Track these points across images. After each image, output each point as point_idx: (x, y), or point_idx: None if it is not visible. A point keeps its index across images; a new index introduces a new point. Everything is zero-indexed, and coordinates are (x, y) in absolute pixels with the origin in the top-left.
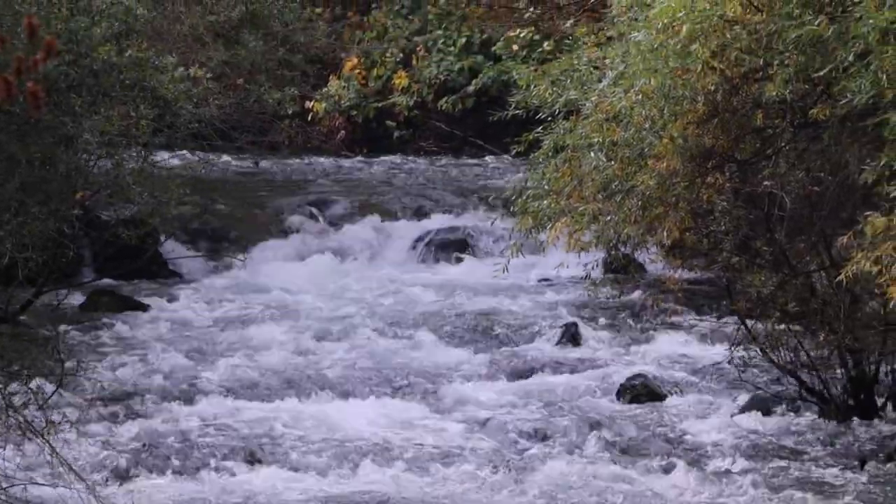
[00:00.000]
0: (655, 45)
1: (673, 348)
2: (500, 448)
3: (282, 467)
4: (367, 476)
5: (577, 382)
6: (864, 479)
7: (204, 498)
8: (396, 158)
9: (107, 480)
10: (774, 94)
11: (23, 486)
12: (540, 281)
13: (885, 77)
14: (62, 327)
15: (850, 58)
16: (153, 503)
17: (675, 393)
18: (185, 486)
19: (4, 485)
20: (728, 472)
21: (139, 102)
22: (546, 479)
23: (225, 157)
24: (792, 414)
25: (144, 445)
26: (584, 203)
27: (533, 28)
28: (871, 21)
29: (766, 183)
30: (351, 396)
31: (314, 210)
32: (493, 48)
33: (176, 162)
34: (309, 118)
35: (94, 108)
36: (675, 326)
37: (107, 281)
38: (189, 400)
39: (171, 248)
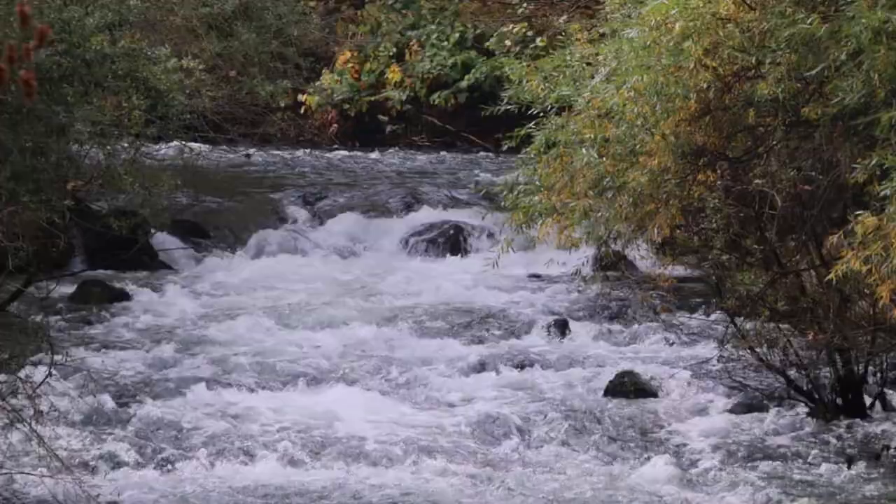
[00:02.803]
0: (648, 43)
1: (662, 345)
2: (488, 440)
3: (268, 457)
4: (354, 467)
5: (566, 378)
6: (851, 478)
7: (188, 488)
8: (389, 153)
9: (93, 470)
10: (766, 92)
11: (9, 474)
12: (530, 276)
13: (876, 77)
14: (52, 317)
15: (843, 57)
16: (139, 493)
17: (664, 390)
18: (170, 476)
19: None
20: (715, 469)
21: (131, 93)
22: (532, 472)
23: (217, 149)
24: (780, 413)
25: (132, 435)
26: (576, 199)
27: (526, 24)
28: (863, 20)
29: (757, 181)
30: (339, 387)
31: (305, 203)
32: (487, 44)
33: (168, 153)
34: (301, 111)
35: (86, 98)
36: (664, 324)
37: (97, 271)
38: (177, 391)
39: (162, 240)
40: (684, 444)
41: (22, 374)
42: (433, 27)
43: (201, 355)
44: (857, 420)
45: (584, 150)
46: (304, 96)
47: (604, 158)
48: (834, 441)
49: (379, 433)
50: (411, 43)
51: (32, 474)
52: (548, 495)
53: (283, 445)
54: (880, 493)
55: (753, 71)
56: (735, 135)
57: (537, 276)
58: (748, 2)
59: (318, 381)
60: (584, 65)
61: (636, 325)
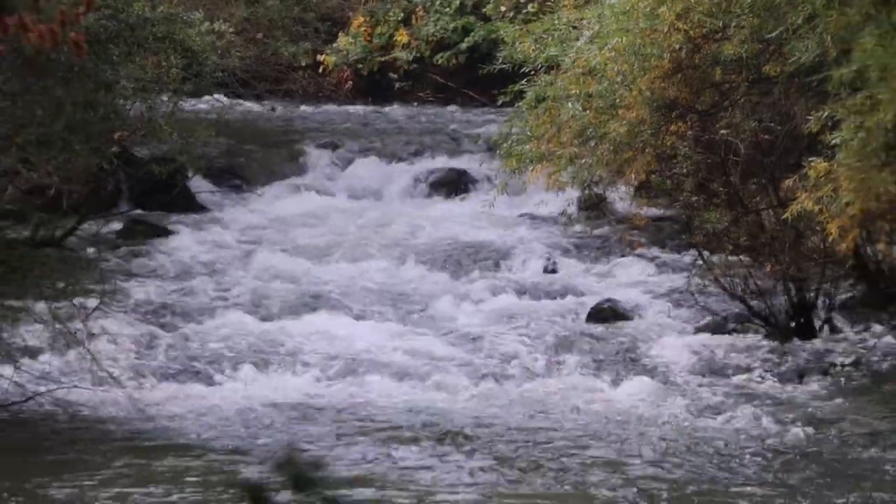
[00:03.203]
0: (627, 8)
1: (638, 276)
2: (485, 362)
3: (296, 375)
4: (363, 383)
5: (554, 305)
6: (802, 391)
7: (219, 398)
8: (398, 107)
9: (140, 384)
10: (731, 52)
11: (66, 388)
12: (522, 216)
13: (829, 38)
14: (102, 252)
15: (799, 21)
16: (177, 403)
17: (639, 315)
18: (205, 389)
19: (52, 387)
20: (683, 383)
21: (170, 53)
22: (524, 389)
23: (245, 104)
24: (741, 334)
25: (173, 354)
26: (562, 148)
27: None
28: None
29: (722, 131)
30: (353, 314)
31: (325, 151)
32: (484, 9)
33: (202, 107)
34: (320, 70)
35: (129, 58)
36: (640, 257)
37: (141, 211)
38: (211, 316)
39: (198, 184)
40: (657, 362)
41: (77, 300)
42: None
43: (235, 285)
44: (808, 341)
45: (569, 104)
46: (323, 56)
47: (587, 111)
48: (788, 359)
49: (392, 354)
50: (417, 9)
51: (86, 388)
52: (540, 406)
53: (308, 365)
54: (827, 404)
55: (720, 33)
56: (704, 90)
57: (529, 216)
58: None
59: (335, 307)
60: (571, 28)
61: (615, 259)
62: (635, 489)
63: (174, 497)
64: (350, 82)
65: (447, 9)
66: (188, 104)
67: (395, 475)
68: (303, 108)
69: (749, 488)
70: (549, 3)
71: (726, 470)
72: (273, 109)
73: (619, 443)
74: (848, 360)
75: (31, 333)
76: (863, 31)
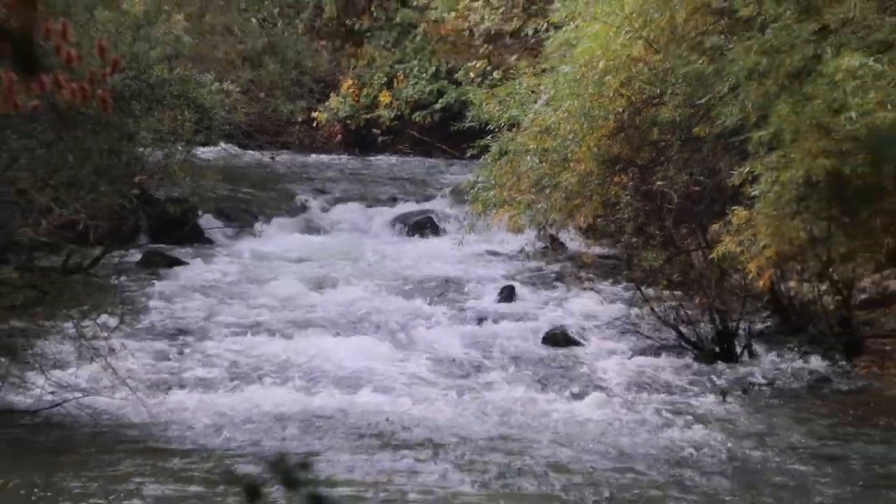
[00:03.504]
0: (578, 76)
1: (585, 306)
2: (453, 376)
3: (283, 386)
4: (349, 395)
5: (512, 330)
6: (725, 406)
7: (223, 406)
8: (381, 157)
9: (153, 393)
10: (667, 115)
11: (89, 397)
12: (487, 252)
13: (750, 105)
14: (123, 278)
15: (725, 89)
16: (186, 410)
17: (586, 340)
18: (210, 398)
19: (77, 395)
20: (625, 400)
21: (184, 109)
22: (485, 402)
23: (249, 153)
24: (673, 358)
25: (184, 367)
26: (521, 194)
27: (486, 61)
28: (740, 62)
29: (658, 183)
30: (339, 335)
31: (316, 195)
32: (456, 75)
33: (211, 155)
34: (314, 125)
35: (149, 112)
36: (587, 290)
37: (157, 245)
38: (217, 335)
39: (207, 221)
40: (601, 381)
41: (100, 321)
42: (415, 62)
43: (236, 308)
44: (730, 364)
45: (528, 158)
46: (316, 113)
47: (543, 164)
48: (713, 379)
49: (373, 370)
50: (398, 74)
51: (107, 396)
52: (502, 415)
53: (299, 378)
54: (746, 418)
55: (657, 99)
56: (643, 147)
57: (492, 253)
58: (654, 46)
59: (323, 328)
60: (530, 92)
61: (566, 291)
62: (583, 486)
63: (181, 492)
64: (339, 136)
65: (424, 74)
66: (199, 153)
67: (374, 477)
68: (298, 157)
69: (675, 489)
70: (511, 71)
71: (656, 472)
72: (272, 158)
73: (570, 448)
74: (764, 381)
75: (59, 348)
76: (778, 99)
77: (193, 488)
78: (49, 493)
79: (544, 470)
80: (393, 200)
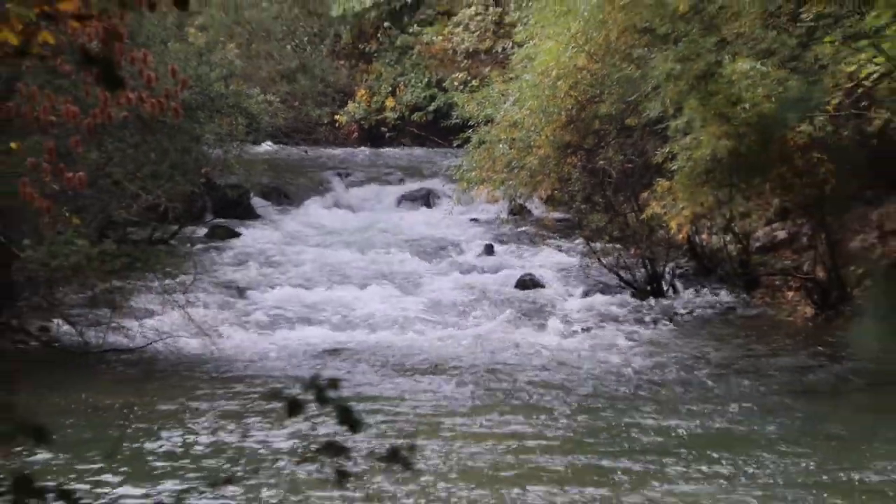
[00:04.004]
0: (537, 83)
1: (548, 258)
2: (446, 315)
3: (318, 326)
4: (367, 332)
5: (492, 278)
6: (656, 330)
7: (272, 343)
8: (388, 149)
9: (219, 334)
10: (605, 110)
11: (171, 338)
12: (471, 220)
13: (668, 100)
14: (194, 247)
15: (649, 89)
16: (244, 346)
17: (549, 284)
18: (263, 337)
19: (163, 337)
20: (580, 328)
21: (237, 116)
22: (472, 333)
23: (287, 148)
24: (616, 296)
25: (241, 314)
26: (496, 174)
27: (466, 72)
28: (660, 68)
29: (601, 162)
30: (359, 286)
31: (339, 178)
32: (444, 84)
33: (259, 151)
34: (336, 125)
35: (211, 119)
36: (548, 246)
37: (219, 220)
38: (267, 288)
39: (256, 201)
40: (562, 315)
41: (178, 279)
42: (412, 75)
43: (282, 268)
44: (659, 299)
45: (500, 145)
46: (338, 116)
47: (512, 150)
48: (646, 310)
49: (386, 312)
50: (400, 84)
51: (184, 337)
52: (486, 344)
53: (330, 320)
54: (673, 338)
55: (598, 98)
56: (588, 135)
57: (475, 220)
58: (594, 58)
59: (348, 281)
60: (500, 95)
61: (533, 247)
62: (552, 396)
63: (241, 407)
64: (356, 133)
65: (419, 84)
66: (250, 149)
67: (388, 394)
68: (324, 150)
69: (622, 394)
70: (485, 80)
71: (607, 382)
72: (305, 152)
73: (540, 366)
74: (685, 311)
75: (149, 301)
76: (689, 95)
77: (250, 404)
78: (142, 411)
79: (521, 384)
80: (398, 181)
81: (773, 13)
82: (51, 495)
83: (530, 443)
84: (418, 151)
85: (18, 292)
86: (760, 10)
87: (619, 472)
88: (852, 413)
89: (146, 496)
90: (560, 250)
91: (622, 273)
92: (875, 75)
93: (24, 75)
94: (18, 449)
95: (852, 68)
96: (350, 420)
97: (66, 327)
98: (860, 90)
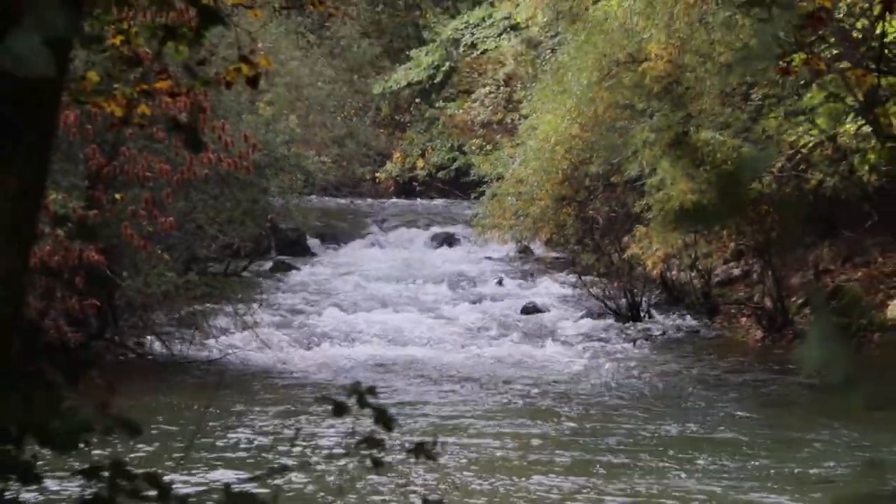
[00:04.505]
0: (538, 148)
1: (548, 289)
2: (463, 336)
3: (361, 343)
4: (399, 348)
5: (502, 305)
6: (636, 349)
7: (325, 357)
8: (418, 200)
9: (281, 350)
10: (594, 169)
11: (243, 352)
12: (485, 258)
13: (645, 162)
14: (261, 278)
15: (629, 153)
16: (301, 359)
17: (549, 310)
18: (316, 352)
19: (235, 350)
20: (573, 345)
21: (296, 172)
22: (486, 350)
23: (337, 200)
24: (603, 320)
25: (299, 333)
26: (505, 221)
27: (482, 139)
28: (638, 136)
29: (590, 211)
30: (396, 310)
31: (377, 224)
32: (464, 148)
33: (314, 200)
34: (376, 181)
35: (275, 175)
36: (548, 279)
37: (281, 256)
38: (320, 312)
39: (311, 242)
40: (560, 335)
41: (248, 305)
42: (438, 141)
43: (332, 295)
44: (638, 323)
45: (509, 198)
46: (378, 173)
47: (518, 201)
48: (627, 332)
49: (417, 333)
50: (428, 148)
51: (252, 352)
52: (494, 360)
53: (373, 338)
54: (650, 354)
55: (588, 160)
56: (580, 189)
57: (489, 258)
58: (585, 128)
59: (388, 306)
60: (509, 157)
61: (535, 280)
62: (553, 402)
63: (296, 408)
64: (392, 187)
65: (444, 148)
66: (306, 200)
67: (417, 399)
68: (367, 201)
69: (611, 402)
70: (497, 145)
71: (597, 391)
72: (351, 203)
73: (542, 379)
74: (659, 333)
75: (223, 322)
76: (662, 159)
77: (303, 406)
78: (218, 411)
79: (527, 391)
80: (426, 226)
81: (728, 94)
82: (140, 479)
83: (535, 441)
84: (442, 202)
85: (119, 315)
86: (719, 90)
87: (606, 465)
88: (797, 419)
89: (217, 480)
90: (557, 283)
91: (608, 302)
92: (811, 144)
93: (126, 141)
94: (115, 441)
95: (793, 138)
96: (385, 420)
97: (157, 343)
98: (798, 156)
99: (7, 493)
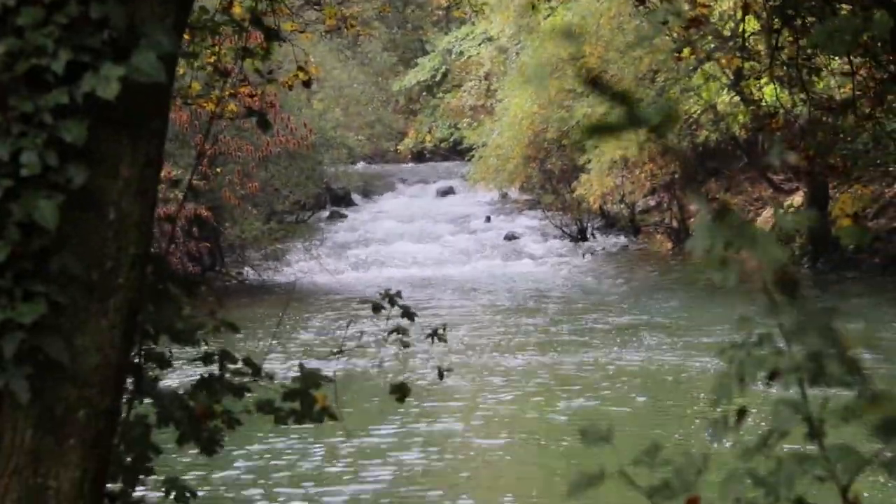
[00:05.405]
0: (510, 122)
1: (522, 222)
2: (462, 257)
3: (393, 266)
4: (417, 267)
5: (489, 234)
6: (585, 260)
7: (366, 276)
8: (428, 164)
9: (337, 272)
10: (550, 136)
11: (309, 275)
12: (476, 202)
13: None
14: (321, 224)
15: (573, 124)
16: (351, 280)
17: (523, 236)
18: (362, 273)
19: (304, 273)
20: (543, 259)
21: (342, 148)
22: (479, 266)
23: (371, 166)
24: (561, 241)
25: (351, 260)
26: (489, 175)
27: (471, 118)
28: (579, 111)
29: (549, 166)
30: (413, 242)
31: (400, 181)
32: (458, 125)
33: (356, 167)
34: (398, 151)
35: (327, 151)
36: (523, 215)
37: (334, 208)
38: (364, 244)
39: (355, 196)
40: (531, 251)
41: (313, 241)
42: (440, 121)
43: (370, 232)
44: (585, 242)
45: (491, 159)
46: (399, 146)
47: (498, 161)
48: (578, 249)
49: (428, 255)
50: (433, 126)
51: (317, 274)
52: (485, 272)
53: (397, 262)
54: (595, 264)
55: (546, 129)
56: (541, 150)
57: (479, 202)
58: (542, 106)
59: (408, 239)
60: (490, 130)
61: (513, 216)
62: (530, 299)
63: (346, 314)
64: (409, 156)
65: (445, 126)
66: (350, 168)
67: (430, 302)
68: (391, 166)
69: (568, 295)
70: (482, 122)
71: (559, 292)
72: (381, 167)
73: (522, 287)
74: (600, 248)
75: (296, 255)
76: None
77: (353, 310)
78: (291, 315)
79: (509, 295)
80: (434, 181)
81: (640, 78)
82: (240, 362)
83: (514, 328)
84: (445, 164)
85: (224, 253)
86: (633, 76)
87: (567, 343)
88: (693, 301)
89: (291, 360)
90: (528, 217)
91: (564, 228)
92: (699, 111)
93: (222, 130)
94: (221, 337)
95: (686, 107)
96: (408, 314)
97: (250, 272)
98: (690, 120)
99: (149, 374)
